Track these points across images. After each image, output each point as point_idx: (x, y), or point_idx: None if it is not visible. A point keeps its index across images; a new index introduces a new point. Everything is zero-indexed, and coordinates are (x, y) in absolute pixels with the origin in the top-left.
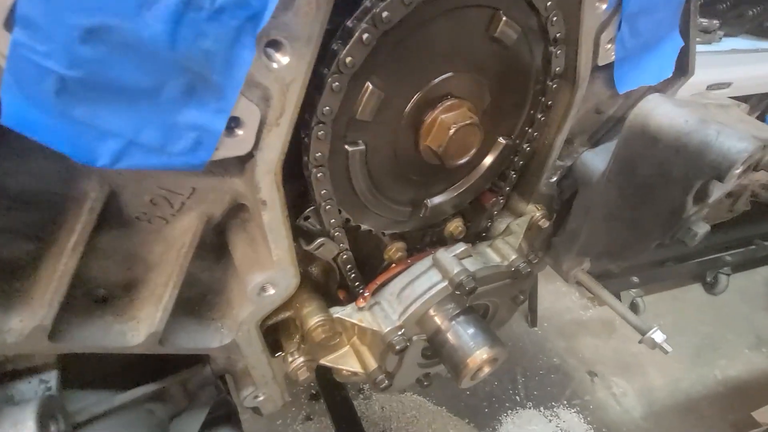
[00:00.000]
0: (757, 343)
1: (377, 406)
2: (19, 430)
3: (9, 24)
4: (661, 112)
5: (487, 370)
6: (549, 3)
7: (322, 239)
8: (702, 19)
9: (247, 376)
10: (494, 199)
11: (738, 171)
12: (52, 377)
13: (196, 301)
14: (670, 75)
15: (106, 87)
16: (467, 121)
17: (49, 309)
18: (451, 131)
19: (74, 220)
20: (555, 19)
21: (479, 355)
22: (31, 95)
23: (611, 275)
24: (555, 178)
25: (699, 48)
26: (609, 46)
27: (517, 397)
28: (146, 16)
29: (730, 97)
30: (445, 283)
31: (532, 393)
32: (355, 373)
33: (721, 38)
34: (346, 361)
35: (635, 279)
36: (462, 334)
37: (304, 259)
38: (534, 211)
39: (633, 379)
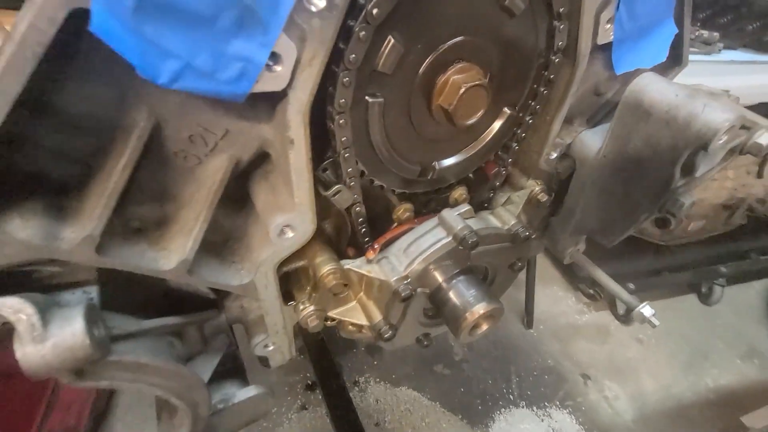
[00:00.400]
0: (749, 353)
1: (372, 398)
2: (70, 324)
3: None
4: (654, 88)
5: (484, 327)
6: None
7: (339, 185)
8: (703, 31)
9: (259, 325)
10: (497, 169)
11: (721, 141)
12: (93, 291)
13: (220, 245)
14: (665, 59)
15: (173, 10)
16: (476, 82)
17: (98, 223)
18: (462, 90)
19: (123, 145)
20: None
21: (478, 309)
22: (114, 9)
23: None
24: (555, 155)
25: (699, 57)
26: (608, 26)
27: (511, 396)
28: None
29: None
30: (450, 239)
31: (525, 393)
32: (360, 327)
33: (720, 50)
34: (353, 315)
35: (631, 286)
36: (462, 290)
37: (320, 214)
38: (534, 186)
39: (625, 384)
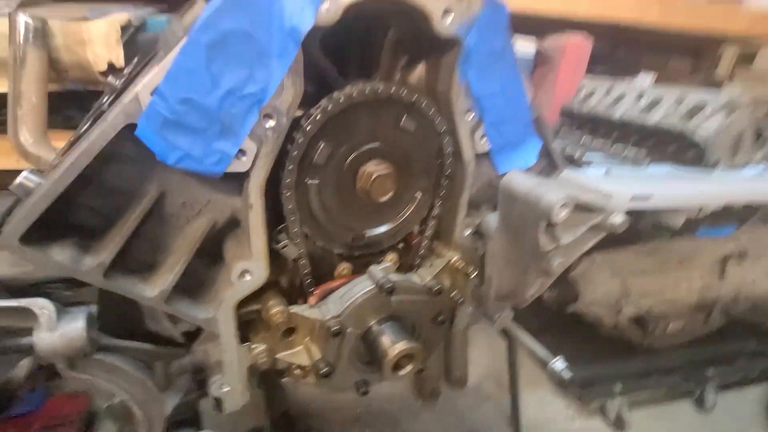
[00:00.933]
0: None
1: None
2: (75, 322)
3: (152, 93)
4: (517, 180)
5: (408, 367)
6: (432, 110)
7: (286, 241)
8: (626, 150)
9: (217, 367)
10: (418, 239)
11: (562, 215)
12: (93, 308)
13: (194, 289)
14: (534, 163)
15: (183, 125)
16: (384, 172)
17: (108, 256)
18: (373, 177)
19: (136, 207)
20: (438, 120)
21: (398, 347)
22: (150, 124)
23: (593, 382)
24: (468, 233)
25: (628, 172)
26: (483, 140)
27: None
28: (209, 96)
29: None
30: (372, 286)
31: None
32: (303, 369)
33: (648, 164)
34: (298, 358)
35: (618, 386)
36: (386, 332)
37: (277, 269)
38: (453, 256)
39: None
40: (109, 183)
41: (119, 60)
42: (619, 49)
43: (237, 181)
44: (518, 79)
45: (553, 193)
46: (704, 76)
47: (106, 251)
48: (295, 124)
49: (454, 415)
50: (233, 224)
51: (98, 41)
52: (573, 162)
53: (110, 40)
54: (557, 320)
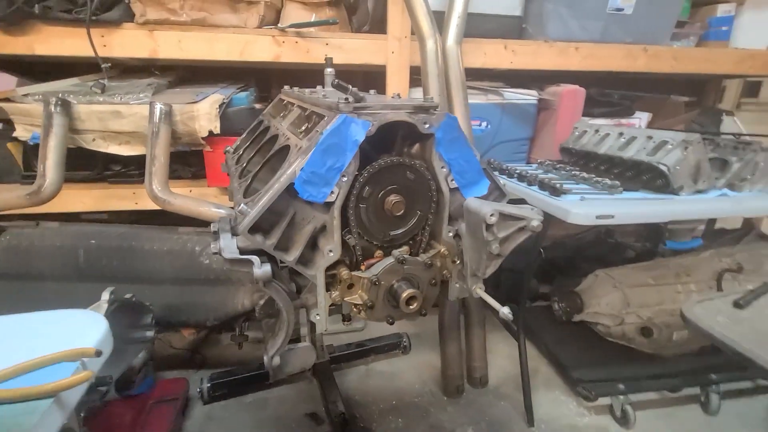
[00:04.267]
0: None
1: None
2: (266, 266)
3: (300, 169)
4: (472, 202)
5: (414, 304)
6: (423, 168)
7: (349, 236)
8: (606, 180)
9: (313, 306)
10: (420, 238)
11: (493, 219)
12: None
13: (306, 260)
14: (487, 193)
15: (310, 182)
16: (398, 200)
17: (274, 240)
18: (392, 203)
19: (285, 217)
20: (426, 173)
21: (408, 291)
22: (299, 181)
23: (600, 380)
24: (451, 234)
25: (605, 196)
26: (452, 182)
27: None
28: (322, 169)
29: (616, 225)
30: (393, 260)
31: None
32: (357, 306)
33: (621, 191)
34: (355, 300)
35: (621, 386)
36: (402, 285)
37: (344, 253)
38: (440, 248)
39: None
40: (277, 209)
41: (217, 128)
42: (613, 92)
43: (328, 206)
44: (469, 149)
45: (487, 207)
46: (702, 110)
47: (274, 238)
48: (356, 179)
49: (476, 409)
50: (324, 229)
51: (203, 117)
52: (554, 191)
53: (211, 116)
54: (573, 333)
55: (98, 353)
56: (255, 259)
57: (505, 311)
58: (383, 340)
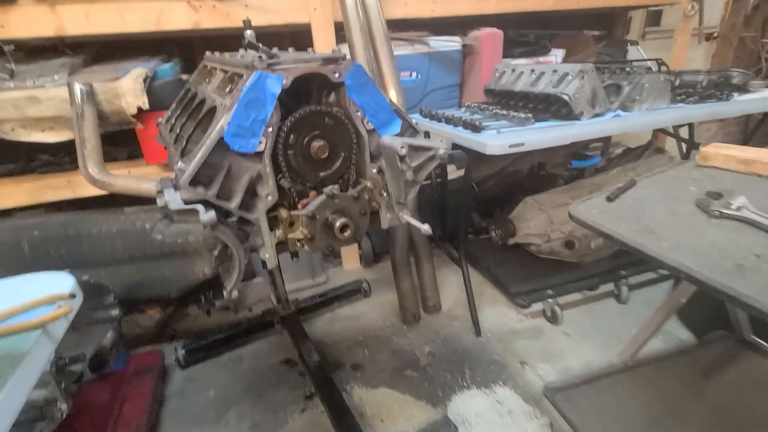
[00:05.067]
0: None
1: (356, 398)
2: (210, 212)
3: (227, 124)
4: (386, 139)
5: (348, 231)
6: (340, 113)
7: (283, 179)
8: (521, 114)
9: (261, 246)
10: (347, 176)
11: (403, 152)
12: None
13: (249, 206)
14: (400, 131)
15: (238, 134)
16: (321, 143)
17: (215, 190)
18: (317, 147)
19: (222, 170)
20: (343, 117)
21: (340, 220)
22: (228, 135)
23: (533, 290)
24: (374, 170)
25: (518, 128)
26: (368, 124)
27: (464, 384)
28: (247, 122)
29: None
30: (325, 196)
31: (475, 379)
32: (299, 240)
33: (533, 122)
34: (297, 235)
35: (549, 291)
36: (335, 216)
37: (281, 195)
38: (366, 183)
39: (555, 364)
40: (212, 163)
41: (145, 104)
42: (530, 31)
43: (259, 155)
44: (379, 93)
45: (398, 142)
46: (608, 42)
47: (214, 188)
48: (280, 128)
49: (432, 331)
50: (260, 177)
51: (128, 93)
52: (475, 128)
53: (137, 91)
54: (510, 256)
55: (72, 295)
56: (200, 207)
57: (425, 228)
58: (345, 288)
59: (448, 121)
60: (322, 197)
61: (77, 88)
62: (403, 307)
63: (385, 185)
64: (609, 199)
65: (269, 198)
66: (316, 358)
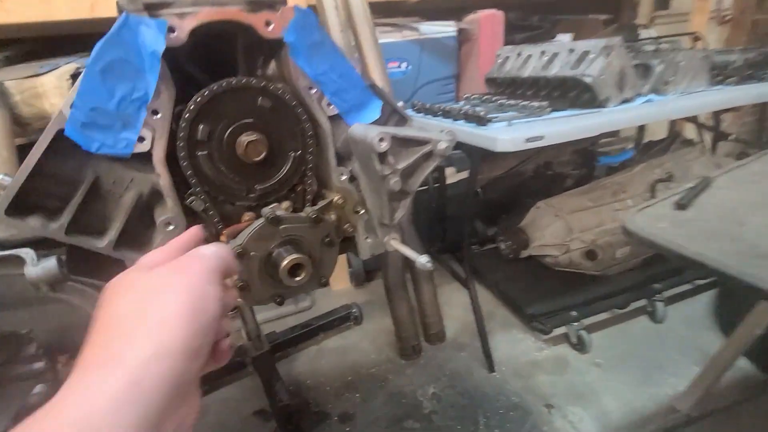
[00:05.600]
0: (703, 357)
1: None
2: (50, 260)
3: (70, 107)
4: (356, 128)
5: (303, 274)
6: (281, 90)
7: (193, 197)
8: (533, 102)
9: None
10: (302, 188)
11: (383, 146)
12: (63, 253)
13: (137, 240)
14: (378, 117)
15: (95, 125)
16: (254, 138)
17: (66, 220)
18: (245, 143)
19: (80, 187)
20: (288, 97)
21: (288, 258)
22: (74, 126)
23: (553, 312)
24: (344, 178)
25: (534, 119)
26: (330, 107)
27: None
28: (108, 103)
29: (547, 146)
30: (263, 220)
31: (492, 431)
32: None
33: (550, 112)
34: None
35: (573, 313)
36: (282, 251)
37: (193, 221)
38: (333, 196)
39: (588, 407)
40: (61, 175)
41: None
42: (533, 15)
43: (147, 160)
44: (343, 59)
45: (372, 131)
46: (619, 26)
47: (64, 218)
48: (180, 115)
49: (435, 366)
50: (157, 195)
51: (52, 92)
52: (480, 120)
53: (63, 90)
54: (522, 270)
55: None
56: (26, 252)
57: (422, 260)
58: (332, 315)
59: (446, 114)
60: (258, 223)
61: None
62: (401, 338)
63: (361, 199)
64: (680, 206)
65: (171, 227)
66: (288, 410)
